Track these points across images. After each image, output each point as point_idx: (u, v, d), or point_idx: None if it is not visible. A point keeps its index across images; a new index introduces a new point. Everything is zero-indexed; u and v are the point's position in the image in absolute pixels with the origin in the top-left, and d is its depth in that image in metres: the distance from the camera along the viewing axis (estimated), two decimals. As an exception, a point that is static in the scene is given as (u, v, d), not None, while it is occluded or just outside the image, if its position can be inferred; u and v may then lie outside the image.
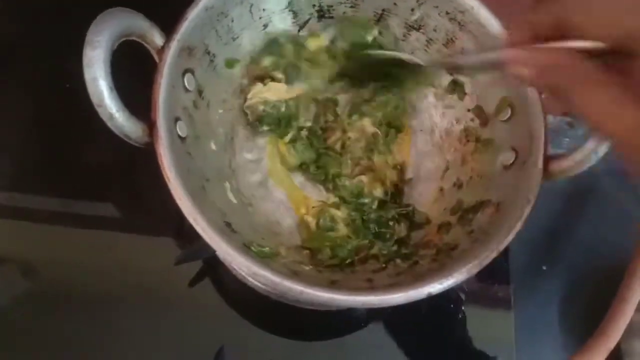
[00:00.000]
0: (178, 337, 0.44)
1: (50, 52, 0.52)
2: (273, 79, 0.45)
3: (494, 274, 0.50)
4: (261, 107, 0.44)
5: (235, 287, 0.45)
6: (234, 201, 0.41)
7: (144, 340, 0.44)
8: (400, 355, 0.45)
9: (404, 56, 0.40)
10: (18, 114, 0.51)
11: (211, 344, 0.44)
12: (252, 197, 0.43)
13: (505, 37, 0.29)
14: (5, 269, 0.46)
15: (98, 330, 0.44)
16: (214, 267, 0.46)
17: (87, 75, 0.31)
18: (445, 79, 0.46)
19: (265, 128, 0.45)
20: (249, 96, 0.45)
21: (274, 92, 0.44)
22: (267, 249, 0.37)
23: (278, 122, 0.45)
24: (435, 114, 0.47)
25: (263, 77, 0.45)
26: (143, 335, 0.44)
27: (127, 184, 0.49)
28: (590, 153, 0.34)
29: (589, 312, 0.52)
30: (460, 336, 0.48)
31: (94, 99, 0.31)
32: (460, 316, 0.47)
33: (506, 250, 0.34)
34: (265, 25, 0.44)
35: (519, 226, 0.34)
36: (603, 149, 0.34)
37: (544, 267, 0.55)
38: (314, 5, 0.44)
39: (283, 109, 0.45)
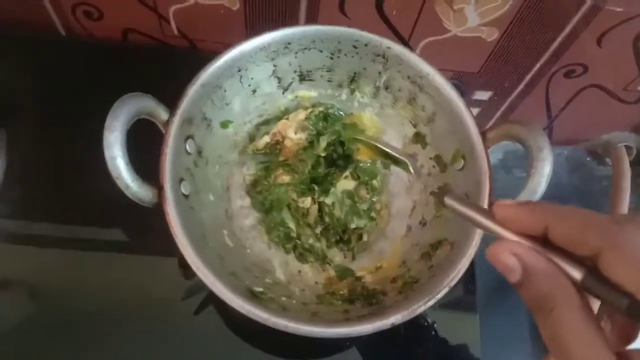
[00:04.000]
0: (184, 357, 0.49)
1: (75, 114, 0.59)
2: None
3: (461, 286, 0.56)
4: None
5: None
6: (231, 245, 0.48)
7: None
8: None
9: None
10: (37, 152, 0.57)
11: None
12: (246, 239, 0.50)
13: (502, 211, 0.27)
14: (12, 291, 0.50)
15: (104, 351, 0.48)
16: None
17: (107, 155, 0.38)
18: (410, 131, 0.53)
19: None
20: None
21: None
22: (261, 289, 0.43)
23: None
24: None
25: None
26: (148, 355, 0.49)
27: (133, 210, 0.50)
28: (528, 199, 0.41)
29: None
30: (432, 349, 0.54)
31: (113, 173, 0.38)
32: (432, 332, 0.54)
33: (472, 263, 0.41)
34: (254, 90, 0.51)
35: (467, 264, 0.41)
36: (539, 194, 0.41)
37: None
38: (295, 71, 0.52)
39: None
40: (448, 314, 0.55)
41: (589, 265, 0.24)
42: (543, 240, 0.25)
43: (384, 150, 0.50)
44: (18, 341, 0.48)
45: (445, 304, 0.53)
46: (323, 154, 0.51)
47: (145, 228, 0.53)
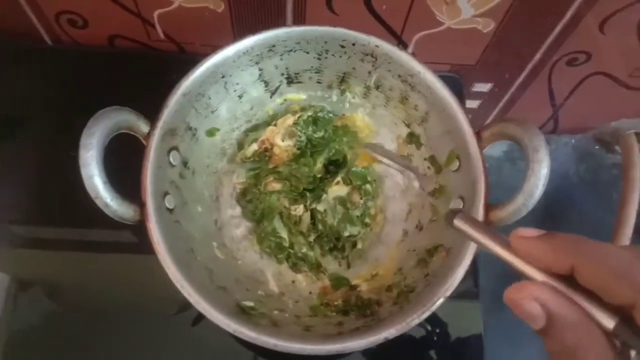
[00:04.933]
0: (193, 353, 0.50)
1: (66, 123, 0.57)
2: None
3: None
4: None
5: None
6: (221, 257, 0.47)
7: (159, 354, 0.50)
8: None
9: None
10: (28, 162, 0.57)
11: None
12: (237, 250, 0.49)
13: (521, 244, 0.24)
14: (32, 291, 0.52)
15: (118, 345, 0.50)
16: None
17: (84, 173, 0.37)
18: (403, 131, 0.51)
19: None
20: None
21: None
22: (252, 303, 0.42)
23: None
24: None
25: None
26: (159, 349, 0.50)
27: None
28: (521, 206, 0.39)
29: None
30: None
31: (91, 193, 0.37)
32: (435, 337, 0.53)
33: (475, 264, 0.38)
34: (240, 96, 0.49)
35: (462, 272, 0.39)
36: (532, 203, 0.39)
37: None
38: (282, 74, 0.50)
39: None
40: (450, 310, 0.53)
41: (620, 310, 0.21)
42: (567, 277, 0.23)
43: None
44: (39, 337, 0.50)
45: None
46: (319, 175, 0.50)
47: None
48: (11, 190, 0.55)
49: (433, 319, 0.52)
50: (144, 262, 0.51)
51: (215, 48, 0.45)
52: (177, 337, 0.51)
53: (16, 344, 0.49)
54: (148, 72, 0.60)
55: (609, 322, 0.21)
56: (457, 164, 0.45)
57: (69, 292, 0.52)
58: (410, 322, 0.38)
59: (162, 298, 0.50)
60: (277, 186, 0.49)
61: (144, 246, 0.52)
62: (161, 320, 0.51)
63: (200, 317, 0.51)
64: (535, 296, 0.23)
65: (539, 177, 0.38)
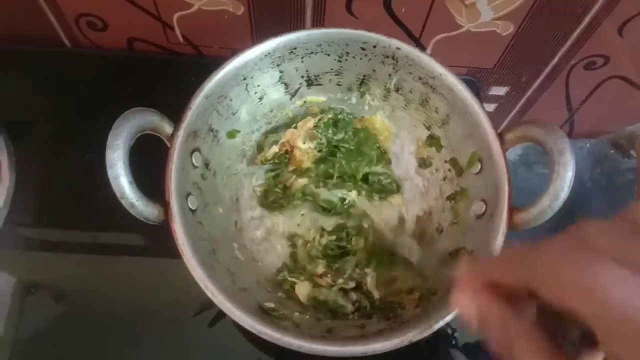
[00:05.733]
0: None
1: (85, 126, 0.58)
2: None
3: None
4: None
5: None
6: (242, 258, 0.47)
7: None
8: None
9: None
10: (49, 165, 0.57)
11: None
12: (257, 251, 0.49)
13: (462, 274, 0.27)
14: (39, 295, 0.51)
15: (128, 350, 0.49)
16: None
17: (110, 174, 0.37)
18: (423, 133, 0.51)
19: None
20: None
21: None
22: (273, 304, 0.42)
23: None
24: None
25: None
26: (171, 354, 0.49)
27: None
28: (546, 209, 0.39)
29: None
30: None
31: (117, 193, 0.37)
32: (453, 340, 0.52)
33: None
34: (261, 98, 0.50)
35: (486, 275, 0.39)
36: (557, 206, 0.39)
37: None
38: (302, 76, 0.50)
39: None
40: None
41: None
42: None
43: None
44: (46, 342, 0.49)
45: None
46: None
47: (164, 231, 0.53)
48: (21, 192, 0.55)
49: (454, 320, 0.52)
50: (155, 265, 0.53)
51: (233, 51, 0.45)
52: (189, 342, 0.50)
53: (23, 348, 0.49)
54: (166, 76, 0.60)
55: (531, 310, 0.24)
56: (479, 166, 0.45)
57: (77, 295, 0.52)
58: (434, 324, 0.38)
59: (175, 301, 0.50)
60: (302, 181, 0.50)
61: (155, 249, 0.53)
62: (174, 325, 0.50)
63: (215, 320, 0.51)
64: (465, 302, 0.26)
65: (565, 179, 0.38)
